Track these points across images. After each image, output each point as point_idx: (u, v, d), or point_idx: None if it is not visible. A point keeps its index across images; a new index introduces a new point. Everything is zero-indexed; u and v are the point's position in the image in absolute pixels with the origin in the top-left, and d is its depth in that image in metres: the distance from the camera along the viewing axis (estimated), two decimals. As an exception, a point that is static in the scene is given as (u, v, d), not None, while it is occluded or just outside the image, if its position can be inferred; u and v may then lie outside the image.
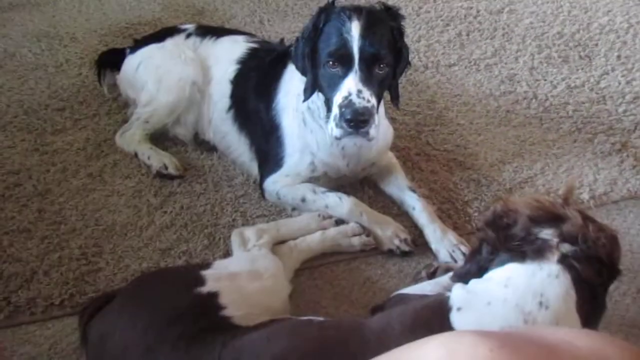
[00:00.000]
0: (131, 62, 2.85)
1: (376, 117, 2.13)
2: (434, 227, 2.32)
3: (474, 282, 1.67)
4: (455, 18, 3.88)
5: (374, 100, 2.11)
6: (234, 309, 1.68)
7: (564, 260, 1.56)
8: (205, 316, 1.65)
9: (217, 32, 2.91)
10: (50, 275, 2.18)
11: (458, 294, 1.61)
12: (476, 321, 1.52)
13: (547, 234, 1.61)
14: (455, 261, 2.21)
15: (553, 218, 1.64)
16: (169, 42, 2.83)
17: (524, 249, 1.59)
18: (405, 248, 2.28)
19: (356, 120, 2.08)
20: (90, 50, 3.44)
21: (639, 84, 3.27)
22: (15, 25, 3.68)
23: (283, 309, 1.86)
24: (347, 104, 2.08)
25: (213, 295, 1.69)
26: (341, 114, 2.10)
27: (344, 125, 2.10)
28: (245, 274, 1.84)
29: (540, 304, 1.52)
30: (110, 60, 3.00)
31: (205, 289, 1.71)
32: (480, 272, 1.69)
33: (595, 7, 4.01)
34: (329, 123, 2.18)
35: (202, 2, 4.02)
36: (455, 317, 1.55)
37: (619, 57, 3.50)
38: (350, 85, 2.09)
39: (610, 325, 2.00)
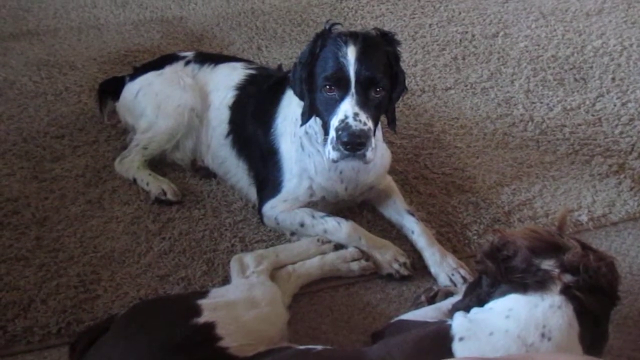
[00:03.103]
0: (130, 89, 2.87)
1: (373, 140, 2.14)
2: (433, 251, 2.32)
3: (475, 311, 1.66)
4: (451, 42, 3.93)
5: (370, 124, 2.13)
6: (230, 339, 1.66)
7: (566, 290, 1.56)
8: (202, 348, 1.63)
9: (216, 59, 2.94)
10: (48, 304, 2.16)
11: (460, 323, 1.60)
12: (478, 351, 1.51)
13: (548, 264, 1.61)
14: (455, 285, 2.20)
15: (552, 248, 1.64)
16: (168, 69, 2.86)
17: (527, 280, 1.59)
18: (405, 272, 2.27)
19: (353, 143, 2.09)
20: (90, 78, 3.47)
21: (634, 106, 3.30)
22: (15, 54, 3.72)
23: (281, 336, 1.84)
24: (344, 126, 2.09)
25: (209, 326, 1.68)
26: (338, 137, 2.11)
27: (341, 147, 2.12)
28: (242, 302, 1.82)
29: (543, 335, 1.52)
30: (111, 89, 3.03)
31: (201, 320, 1.69)
32: (480, 304, 1.69)
33: (589, 31, 4.06)
34: (326, 146, 2.19)
35: (201, 29, 4.07)
36: (457, 347, 1.54)
37: (613, 79, 3.53)
38: (347, 109, 2.11)
39: (612, 349, 1.98)
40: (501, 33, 4.04)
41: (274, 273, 2.19)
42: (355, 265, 2.28)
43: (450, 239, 2.46)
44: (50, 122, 3.11)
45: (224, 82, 2.75)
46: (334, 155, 2.15)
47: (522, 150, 2.98)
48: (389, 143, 2.75)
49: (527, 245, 1.65)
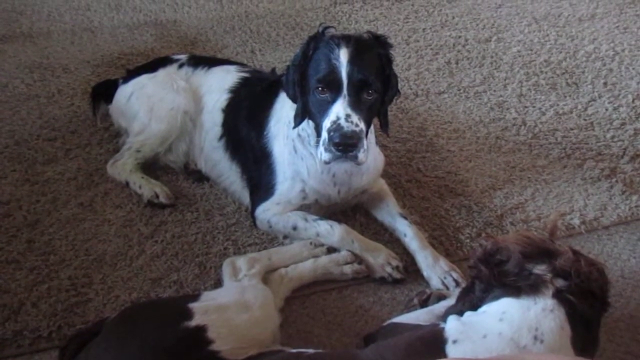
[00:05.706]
0: (123, 91, 2.86)
1: (365, 141, 2.14)
2: (426, 254, 2.32)
3: (468, 314, 1.67)
4: (444, 47, 3.94)
5: (362, 125, 2.13)
6: (221, 343, 1.65)
7: (558, 294, 1.58)
8: (193, 351, 1.62)
9: (209, 62, 2.94)
10: (39, 307, 2.15)
11: (453, 326, 1.61)
12: (471, 354, 1.52)
13: (540, 269, 1.63)
14: (447, 288, 2.20)
15: (544, 253, 1.66)
16: (161, 72, 2.85)
17: (519, 284, 1.61)
18: (397, 275, 2.27)
19: (344, 144, 2.09)
20: (82, 80, 3.46)
21: (625, 110, 3.32)
22: (8, 57, 3.71)
23: (272, 339, 1.83)
24: (336, 128, 2.09)
25: (201, 329, 1.67)
26: (330, 138, 2.11)
27: (333, 148, 2.11)
28: (233, 305, 1.81)
29: (535, 338, 1.53)
30: (104, 92, 3.02)
31: (192, 323, 1.68)
32: (473, 309, 1.70)
33: (581, 36, 4.09)
34: (318, 148, 2.19)
35: (195, 32, 4.07)
36: (450, 349, 1.55)
37: (605, 84, 3.56)
38: (339, 110, 2.11)
39: (604, 351, 1.99)
40: (494, 38, 4.06)
41: (267, 276, 2.19)
42: (348, 269, 2.28)
43: (442, 242, 2.46)
44: (43, 124, 3.10)
45: (217, 85, 2.75)
46: (326, 156, 2.15)
47: (514, 154, 2.99)
48: (382, 146, 2.76)
49: (520, 250, 1.67)
